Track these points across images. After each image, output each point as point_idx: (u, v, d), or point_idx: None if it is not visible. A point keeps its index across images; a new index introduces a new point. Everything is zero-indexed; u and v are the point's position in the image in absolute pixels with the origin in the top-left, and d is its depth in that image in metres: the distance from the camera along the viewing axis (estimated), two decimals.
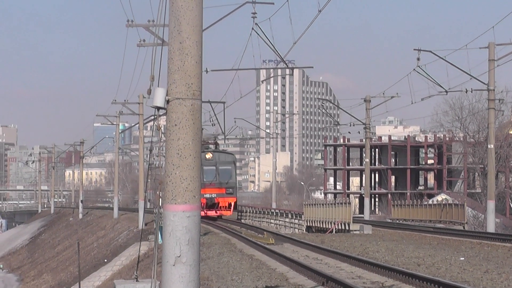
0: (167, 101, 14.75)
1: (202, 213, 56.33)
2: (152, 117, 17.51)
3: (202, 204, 65.03)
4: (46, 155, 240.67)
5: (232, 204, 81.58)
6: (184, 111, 14.58)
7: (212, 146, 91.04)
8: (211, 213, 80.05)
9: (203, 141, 76.79)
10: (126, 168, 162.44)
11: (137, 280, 24.38)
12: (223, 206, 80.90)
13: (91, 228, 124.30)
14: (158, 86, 14.45)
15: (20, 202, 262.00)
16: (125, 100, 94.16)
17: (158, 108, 14.28)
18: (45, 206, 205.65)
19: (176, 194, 14.52)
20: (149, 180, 48.77)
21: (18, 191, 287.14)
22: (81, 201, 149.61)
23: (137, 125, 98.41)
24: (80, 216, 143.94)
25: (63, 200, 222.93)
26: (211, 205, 79.71)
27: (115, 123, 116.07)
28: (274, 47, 51.78)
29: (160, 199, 16.00)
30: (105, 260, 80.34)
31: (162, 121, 15.73)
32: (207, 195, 77.49)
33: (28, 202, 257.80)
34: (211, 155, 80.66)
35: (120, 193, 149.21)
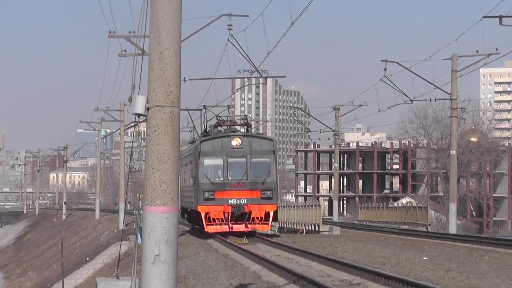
0: (147, 108, 14.72)
1: (226, 228, 45.05)
2: (133, 124, 17.14)
3: (226, 214, 45.09)
4: (31, 159, 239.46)
5: (271, 214, 46.55)
6: (163, 117, 14.59)
7: (242, 130, 52.41)
8: (239, 227, 46.14)
9: (230, 121, 50.68)
10: (107, 172, 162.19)
11: (117, 278, 24.66)
12: (257, 218, 46.27)
13: (74, 228, 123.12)
14: (138, 94, 14.47)
15: (6, 203, 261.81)
16: (107, 107, 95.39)
17: (139, 115, 14.27)
18: (30, 207, 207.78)
19: (155, 196, 14.48)
20: (129, 183, 53.49)
21: (4, 193, 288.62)
22: (65, 203, 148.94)
23: (118, 131, 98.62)
24: (64, 217, 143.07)
25: (48, 202, 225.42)
26: (240, 215, 45.92)
27: (97, 129, 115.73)
28: (248, 58, 56.75)
29: (140, 201, 15.93)
30: (87, 259, 79.29)
31: (142, 127, 15.70)
32: (233, 201, 45.51)
33: (14, 203, 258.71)
34: (239, 141, 46.26)
35: (102, 195, 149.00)
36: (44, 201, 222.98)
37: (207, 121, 54.79)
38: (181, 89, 15.07)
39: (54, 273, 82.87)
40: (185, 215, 63.41)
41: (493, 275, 28.07)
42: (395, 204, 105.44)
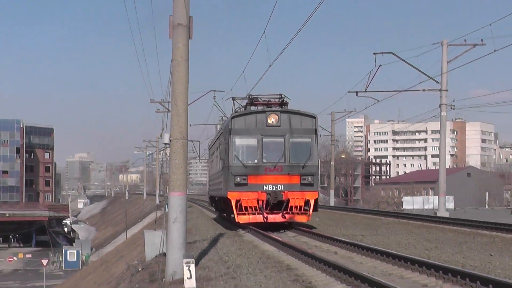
0: (170, 140, 21.32)
1: (260, 218, 34.46)
2: (163, 148, 23.87)
3: (260, 202, 34.52)
4: (110, 167, 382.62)
5: (311, 203, 35.90)
6: (178, 145, 21.15)
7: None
8: (275, 217, 35.63)
9: (264, 100, 38.20)
10: (150, 174, 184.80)
11: (155, 230, 31.79)
12: (296, 207, 35.47)
13: (132, 204, 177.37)
14: (165, 132, 21.53)
15: (96, 191, 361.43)
16: (150, 140, 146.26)
17: (166, 144, 21.31)
18: (108, 193, 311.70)
19: (174, 187, 21.07)
20: (161, 180, 57.47)
21: (94, 185, 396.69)
22: (127, 191, 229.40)
23: (155, 152, 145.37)
24: (127, 198, 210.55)
25: (118, 190, 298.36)
26: (276, 204, 35.29)
27: (144, 151, 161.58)
28: (225, 115, 64.17)
29: (167, 189, 22.34)
30: (139, 220, 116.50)
31: (167, 150, 22.31)
32: (269, 187, 35.24)
33: (101, 190, 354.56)
34: (276, 117, 35.93)
35: (147, 186, 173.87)
36: (116, 190, 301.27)
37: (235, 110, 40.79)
38: (188, 130, 21.71)
39: (122, 228, 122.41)
40: (213, 204, 56.30)
41: (353, 227, 41.84)
42: None
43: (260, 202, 34.35)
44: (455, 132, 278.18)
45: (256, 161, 35.03)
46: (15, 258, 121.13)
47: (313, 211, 35.69)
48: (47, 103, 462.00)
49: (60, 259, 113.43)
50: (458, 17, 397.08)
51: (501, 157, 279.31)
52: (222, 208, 46.56)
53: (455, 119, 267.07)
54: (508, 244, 28.70)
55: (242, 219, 34.82)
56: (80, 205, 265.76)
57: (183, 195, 21.18)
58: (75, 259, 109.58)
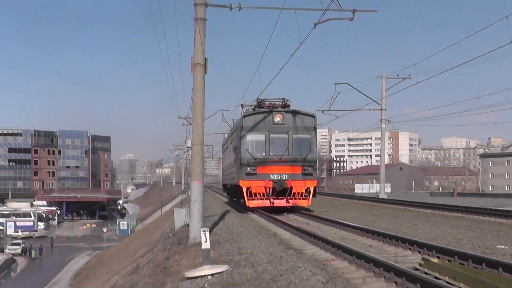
0: (191, 144, 21.13)
1: (267, 203, 30.51)
2: (186, 151, 23.16)
3: (267, 189, 31.19)
4: (150, 163, 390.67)
5: (311, 190, 32.82)
6: (197, 148, 20.76)
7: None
8: (281, 202, 32.14)
9: (270, 103, 33.66)
10: (177, 168, 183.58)
11: (181, 208, 31.69)
12: (298, 193, 32.48)
13: (165, 189, 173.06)
14: (188, 139, 21.90)
15: (140, 180, 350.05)
16: (177, 144, 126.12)
17: (188, 147, 21.94)
18: (149, 182, 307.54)
19: (194, 177, 20.87)
20: (185, 172, 55.64)
21: (139, 176, 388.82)
22: (162, 180, 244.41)
23: (181, 153, 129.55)
24: (161, 185, 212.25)
25: (155, 179, 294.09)
26: (281, 191, 32.12)
27: (174, 152, 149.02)
28: (230, 126, 59.20)
29: (190, 179, 22.17)
30: (169, 201, 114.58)
31: (190, 151, 23.06)
32: (275, 176, 32.13)
33: (143, 180, 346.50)
34: (281, 116, 32.90)
35: (175, 177, 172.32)
36: (154, 179, 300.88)
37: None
38: (204, 137, 21.25)
39: (158, 206, 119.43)
40: (225, 190, 52.79)
41: (320, 205, 39.40)
42: None
43: (267, 189, 30.66)
44: (391, 139, 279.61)
45: (264, 154, 31.11)
46: (84, 227, 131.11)
47: (312, 196, 31.66)
48: (105, 115, 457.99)
49: (115, 228, 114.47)
50: (393, 57, 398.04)
51: (423, 156, 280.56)
52: (233, 193, 43.00)
53: (391, 129, 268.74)
54: (428, 217, 29.13)
55: (252, 203, 30.73)
56: (129, 190, 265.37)
57: (200, 183, 20.92)
58: (126, 228, 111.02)
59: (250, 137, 31.08)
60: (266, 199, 30.36)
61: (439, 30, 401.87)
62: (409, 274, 10.53)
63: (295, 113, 31.79)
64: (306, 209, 32.06)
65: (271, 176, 30.67)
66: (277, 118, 31.43)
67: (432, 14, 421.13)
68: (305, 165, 31.22)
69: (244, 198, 31.04)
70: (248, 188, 30.43)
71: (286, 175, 30.84)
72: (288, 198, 30.90)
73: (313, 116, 32.03)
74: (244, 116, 31.42)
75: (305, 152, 31.20)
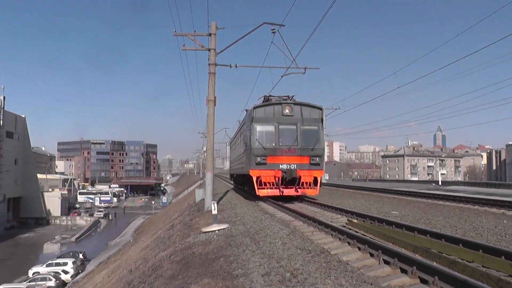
0: (206, 149, 21.49)
1: (277, 192, 20.18)
2: (204, 152, 21.55)
3: (276, 179, 20.09)
4: (181, 161, 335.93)
5: (319, 180, 19.91)
6: (209, 151, 20.24)
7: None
8: (290, 191, 19.76)
9: (277, 100, 21.48)
10: (198, 164, 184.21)
11: (200, 188, 31.08)
12: (306, 182, 19.73)
13: (190, 177, 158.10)
14: (204, 145, 21.67)
15: (175, 171, 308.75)
16: (198, 149, 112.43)
17: (204, 151, 21.79)
18: (180, 173, 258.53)
19: (208, 169, 20.18)
20: (203, 166, 52.43)
21: (174, 169, 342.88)
22: (188, 172, 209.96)
23: (201, 154, 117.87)
24: (188, 175, 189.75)
25: (184, 171, 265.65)
26: (290, 180, 19.74)
27: (196, 153, 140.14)
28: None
29: (205, 170, 21.64)
30: (192, 184, 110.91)
31: (205, 154, 22.77)
32: (284, 166, 19.78)
33: (177, 171, 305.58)
34: (290, 108, 20.22)
35: (196, 170, 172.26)
36: (183, 171, 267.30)
37: None
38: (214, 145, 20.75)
39: (185, 188, 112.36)
40: (232, 179, 40.82)
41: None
42: None
43: (277, 179, 20.34)
44: (328, 146, 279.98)
45: (273, 144, 20.84)
46: (141, 200, 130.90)
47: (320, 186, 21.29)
48: (151, 127, 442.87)
49: (159, 201, 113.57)
50: (329, 95, 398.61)
51: (348, 157, 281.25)
52: (240, 182, 32.88)
53: (328, 140, 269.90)
54: (351, 194, 29.03)
55: (262, 192, 20.38)
56: (168, 178, 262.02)
57: (211, 173, 20.28)
58: (166, 201, 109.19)
59: (260, 128, 21.16)
60: (275, 188, 20.67)
61: (360, 77, 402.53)
62: (339, 229, 10.45)
63: (303, 105, 21.43)
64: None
65: (280, 165, 20.62)
66: (286, 110, 21.23)
67: (352, 68, 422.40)
68: (313, 155, 21.03)
69: (254, 187, 21.25)
70: (258, 178, 20.69)
71: (295, 165, 20.68)
72: (297, 187, 20.67)
73: (320, 108, 21.59)
74: (254, 108, 21.48)
75: (312, 143, 20.99)
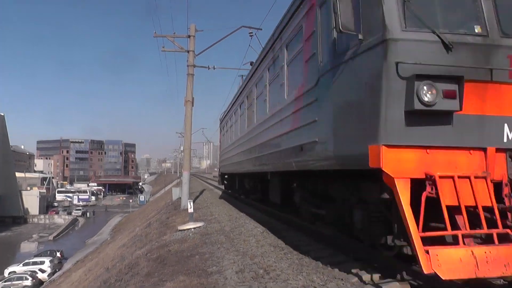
0: (183, 149, 21.39)
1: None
2: (181, 152, 21.20)
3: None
4: (158, 160, 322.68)
5: None
6: (187, 151, 19.92)
7: None
8: None
9: None
10: (175, 164, 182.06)
11: (177, 187, 30.06)
12: None
13: (167, 176, 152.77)
14: (181, 145, 21.73)
15: (152, 171, 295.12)
16: (176, 149, 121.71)
17: (181, 150, 21.81)
18: (158, 172, 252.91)
19: (185, 168, 19.92)
20: (180, 166, 52.13)
21: (151, 168, 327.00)
22: (165, 171, 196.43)
23: (178, 153, 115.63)
24: (165, 174, 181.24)
25: (161, 170, 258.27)
26: None
27: (174, 153, 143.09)
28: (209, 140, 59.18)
29: (182, 169, 22.31)
30: (170, 183, 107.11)
31: (183, 153, 22.72)
32: None
33: (154, 171, 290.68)
34: None
35: (173, 169, 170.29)
36: (161, 170, 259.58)
37: None
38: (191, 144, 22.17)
39: (162, 186, 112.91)
40: (225, 183, 24.82)
41: None
42: None
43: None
44: None
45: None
46: (118, 199, 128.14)
47: None
48: (127, 127, 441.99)
49: (137, 199, 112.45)
50: None
51: None
52: (251, 189, 18.09)
53: None
54: None
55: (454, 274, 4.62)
56: (145, 177, 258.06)
57: (188, 172, 20.09)
58: (143, 200, 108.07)
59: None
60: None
61: None
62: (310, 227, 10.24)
63: None
64: None
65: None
66: None
67: None
68: None
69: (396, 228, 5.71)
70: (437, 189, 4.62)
71: None
72: None
73: None
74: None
75: None
